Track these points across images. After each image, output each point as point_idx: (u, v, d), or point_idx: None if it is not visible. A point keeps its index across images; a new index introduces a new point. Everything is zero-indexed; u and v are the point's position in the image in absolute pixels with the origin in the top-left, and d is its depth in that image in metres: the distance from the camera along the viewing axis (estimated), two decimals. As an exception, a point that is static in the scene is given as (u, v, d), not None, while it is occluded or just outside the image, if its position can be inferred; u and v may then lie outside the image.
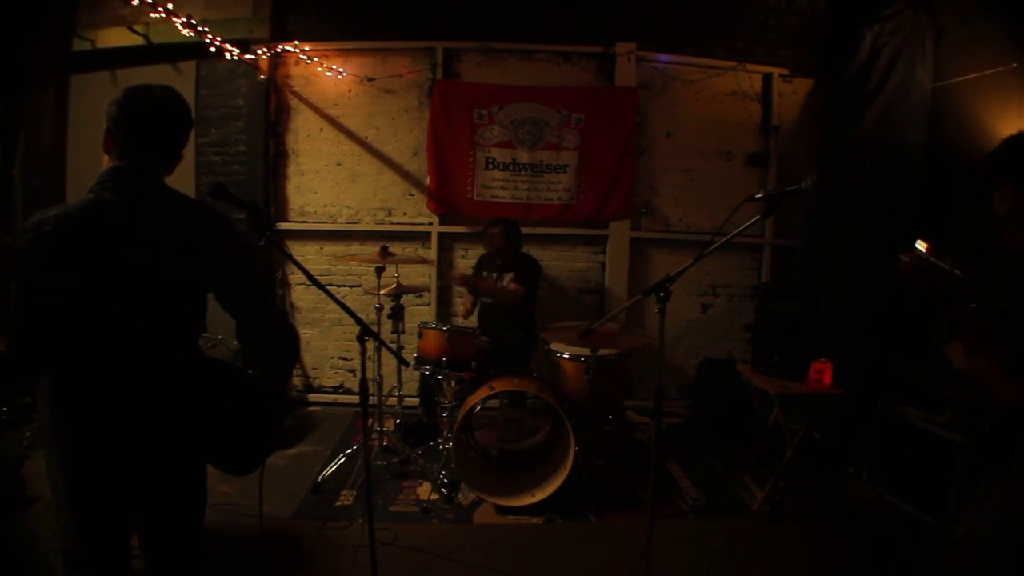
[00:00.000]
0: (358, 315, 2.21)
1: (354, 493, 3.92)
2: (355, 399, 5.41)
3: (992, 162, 1.73)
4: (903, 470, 3.98)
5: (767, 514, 3.81)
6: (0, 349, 1.71)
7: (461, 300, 4.97)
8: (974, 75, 4.51)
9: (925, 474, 3.79)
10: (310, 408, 5.52)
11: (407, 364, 3.03)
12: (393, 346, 4.33)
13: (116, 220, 1.70)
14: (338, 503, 3.81)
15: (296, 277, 5.45)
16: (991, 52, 4.35)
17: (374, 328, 2.44)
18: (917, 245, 1.66)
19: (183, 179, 5.18)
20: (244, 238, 1.92)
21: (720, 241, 2.42)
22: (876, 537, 3.61)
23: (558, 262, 5.54)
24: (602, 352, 3.92)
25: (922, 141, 4.88)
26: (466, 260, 5.45)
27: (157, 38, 5.17)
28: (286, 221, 5.50)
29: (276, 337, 2.02)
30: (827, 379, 3.86)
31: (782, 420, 3.88)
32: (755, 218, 2.32)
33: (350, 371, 5.64)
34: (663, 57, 5.45)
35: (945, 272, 1.63)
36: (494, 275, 4.75)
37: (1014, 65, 4.13)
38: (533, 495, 3.78)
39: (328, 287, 2.21)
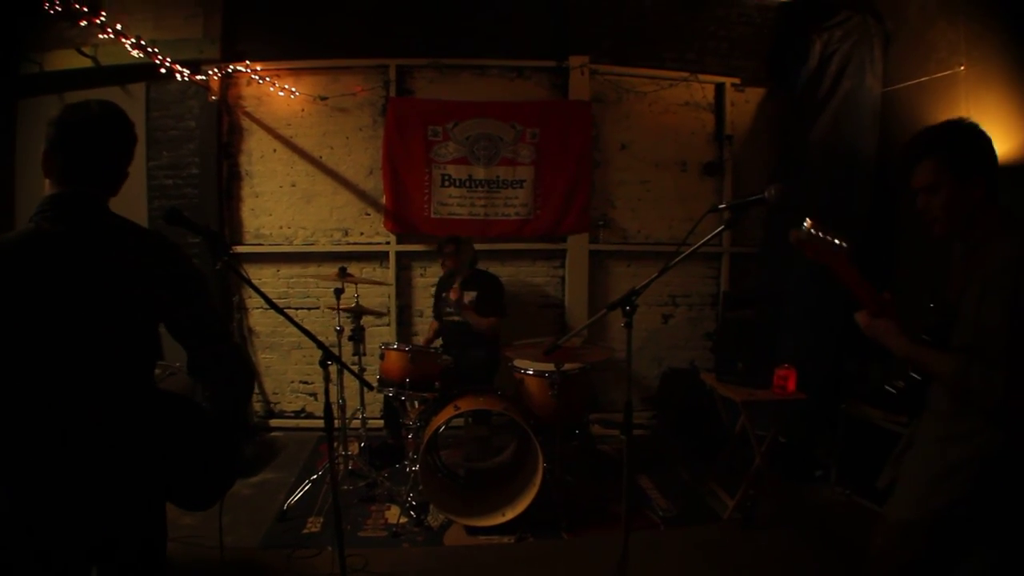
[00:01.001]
0: (319, 338, 2.16)
1: (321, 519, 3.84)
2: (318, 423, 5.43)
3: (921, 140, 1.90)
4: (870, 471, 3.99)
5: (738, 521, 3.83)
6: None
7: (423, 325, 4.93)
8: (922, 79, 4.60)
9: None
10: (272, 434, 5.41)
11: (371, 387, 2.99)
12: (355, 368, 4.30)
13: (56, 252, 1.61)
14: (305, 530, 3.73)
15: (253, 301, 5.37)
16: (938, 56, 4.44)
17: (335, 350, 2.40)
18: (804, 223, 1.78)
19: (135, 204, 5.09)
20: (194, 267, 1.85)
21: (686, 251, 2.42)
22: (847, 539, 3.61)
23: (517, 278, 5.52)
24: (566, 367, 3.91)
25: (873, 145, 4.98)
26: (425, 279, 5.42)
27: (106, 60, 5.07)
28: (241, 244, 5.41)
29: (227, 372, 1.93)
30: (791, 385, 3.90)
31: (749, 427, 3.90)
32: (719, 228, 2.33)
33: (311, 395, 5.55)
34: (616, 70, 5.49)
35: (828, 243, 1.76)
36: (458, 288, 4.71)
37: (961, 68, 4.22)
38: (503, 514, 3.75)
39: (286, 310, 2.17)
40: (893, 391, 2.06)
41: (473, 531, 3.74)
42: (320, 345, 2.15)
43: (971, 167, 1.81)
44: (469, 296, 4.68)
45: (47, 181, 1.72)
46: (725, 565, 3.45)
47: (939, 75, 4.44)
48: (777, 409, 4.01)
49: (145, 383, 1.82)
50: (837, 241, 1.78)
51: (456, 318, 4.72)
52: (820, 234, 1.76)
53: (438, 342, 4.93)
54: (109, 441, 1.68)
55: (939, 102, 4.40)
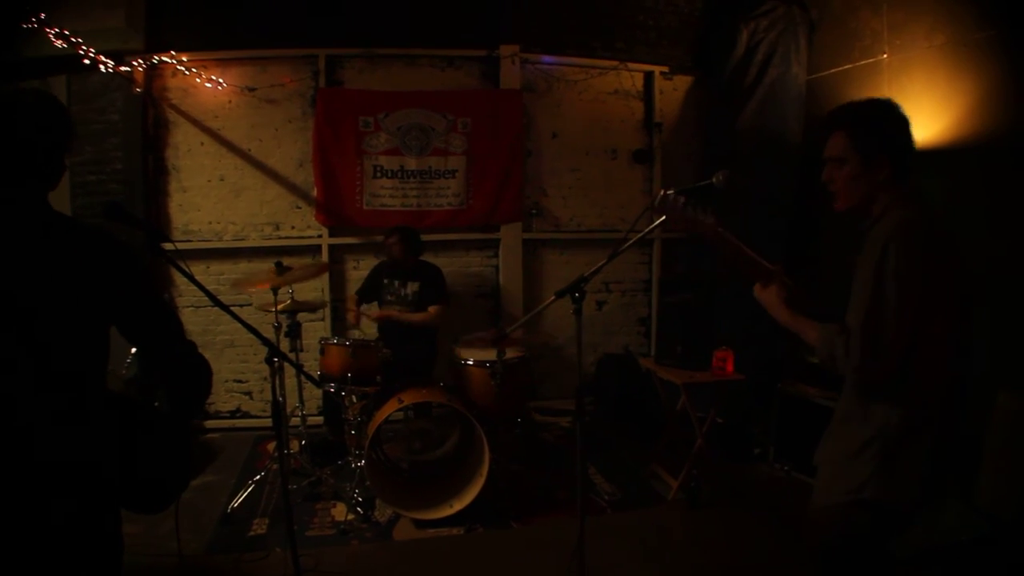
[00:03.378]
0: (264, 336, 2.13)
1: (267, 520, 3.78)
2: (254, 422, 5.38)
3: (838, 112, 1.93)
4: (806, 447, 4.10)
5: (683, 502, 3.93)
6: None
7: (349, 311, 4.88)
8: (846, 67, 4.74)
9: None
10: (208, 435, 5.29)
11: (319, 384, 2.90)
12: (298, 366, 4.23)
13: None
14: (251, 533, 3.66)
15: (183, 299, 5.24)
16: (862, 44, 4.59)
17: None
18: (664, 192, 1.91)
19: (58, 202, 4.71)
20: (145, 265, 1.80)
21: (634, 238, 2.46)
22: (786, 513, 3.71)
23: (452, 268, 5.50)
24: (508, 355, 3.93)
25: (799, 132, 5.13)
26: (358, 271, 5.36)
27: (27, 52, 4.85)
28: (169, 241, 5.26)
29: (189, 369, 1.89)
30: (730, 366, 4.03)
31: (689, 409, 4.00)
32: (662, 218, 2.36)
33: (246, 394, 5.47)
34: (546, 59, 5.53)
35: (692, 217, 1.89)
36: (396, 283, 4.70)
37: (884, 56, 4.37)
38: (451, 506, 3.76)
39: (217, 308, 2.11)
40: (816, 361, 2.10)
41: (422, 524, 3.74)
42: (266, 342, 2.11)
43: (878, 146, 1.83)
44: (412, 287, 4.67)
45: None
46: (674, 545, 3.55)
47: (863, 63, 4.59)
48: (716, 390, 4.12)
49: (98, 386, 1.74)
50: (703, 217, 1.87)
51: (397, 309, 4.70)
52: (682, 204, 1.85)
53: (371, 332, 4.90)
54: (62, 449, 1.60)
55: (863, 89, 4.55)
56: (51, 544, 1.64)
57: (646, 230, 2.41)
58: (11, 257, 1.54)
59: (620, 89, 5.67)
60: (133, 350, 3.86)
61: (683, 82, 5.82)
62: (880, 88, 4.39)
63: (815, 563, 2.09)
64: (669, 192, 1.93)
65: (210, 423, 5.42)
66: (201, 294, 2.03)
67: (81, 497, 1.65)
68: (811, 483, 3.93)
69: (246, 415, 5.48)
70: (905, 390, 1.78)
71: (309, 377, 2.61)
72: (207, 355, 2.01)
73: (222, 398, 5.48)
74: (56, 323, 1.59)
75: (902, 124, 1.86)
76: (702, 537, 3.63)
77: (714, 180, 2.20)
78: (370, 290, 4.90)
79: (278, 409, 2.25)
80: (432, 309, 4.64)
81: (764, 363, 4.63)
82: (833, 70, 4.92)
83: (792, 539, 3.47)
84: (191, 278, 1.96)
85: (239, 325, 2.11)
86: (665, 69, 5.73)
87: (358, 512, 3.83)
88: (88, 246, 1.67)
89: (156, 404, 1.89)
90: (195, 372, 1.92)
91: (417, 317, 4.64)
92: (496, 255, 5.62)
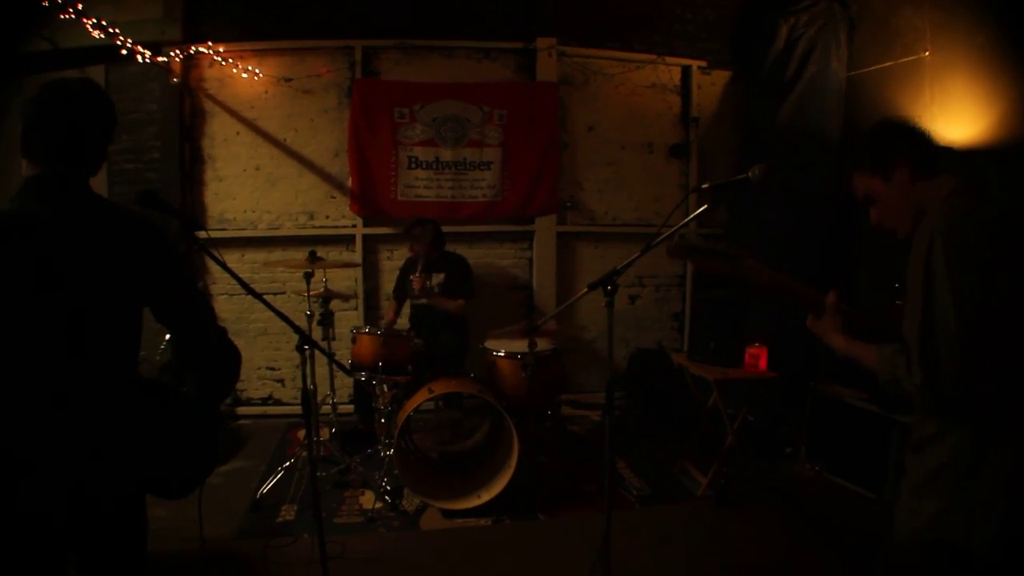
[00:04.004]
0: (295, 324, 2.12)
1: (295, 507, 3.78)
2: (285, 409, 5.41)
3: (848, 158, 1.82)
4: (839, 447, 4.09)
5: (712, 499, 3.86)
6: None
7: (386, 310, 4.91)
8: (887, 64, 4.65)
9: (861, 450, 3.89)
10: (239, 422, 5.33)
11: (349, 372, 2.88)
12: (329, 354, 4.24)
13: (38, 234, 1.55)
14: (280, 519, 3.66)
15: (217, 287, 5.27)
16: (903, 42, 4.50)
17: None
18: (686, 236, 1.84)
19: (96, 190, 4.86)
20: (177, 248, 1.82)
21: (668, 232, 2.39)
22: (818, 514, 3.69)
23: (485, 260, 5.51)
24: (539, 348, 3.89)
25: (838, 129, 5.04)
26: (392, 261, 5.37)
27: (65, 43, 4.93)
28: (205, 229, 5.30)
29: (220, 354, 1.90)
30: (763, 363, 3.95)
31: (721, 406, 3.94)
32: (703, 207, 2.32)
33: (278, 381, 5.50)
34: (583, 52, 5.49)
35: (713, 251, 1.78)
36: (425, 277, 4.67)
37: (926, 54, 4.28)
38: (479, 496, 3.73)
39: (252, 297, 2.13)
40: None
41: (449, 514, 3.72)
42: (298, 330, 2.11)
43: (885, 157, 1.75)
44: (437, 279, 4.66)
45: (24, 162, 1.64)
46: (700, 542, 3.47)
47: (904, 60, 4.49)
48: (749, 387, 4.06)
49: (130, 368, 1.77)
50: (729, 250, 1.75)
51: (424, 301, 4.70)
52: (700, 243, 1.77)
53: (402, 323, 4.89)
54: (93, 428, 1.63)
55: (903, 87, 4.46)
56: (79, 517, 1.66)
57: (678, 225, 2.37)
58: (55, 233, 1.57)
59: (657, 83, 5.62)
60: (167, 337, 3.88)
61: (721, 77, 5.75)
62: (921, 86, 4.30)
63: None
64: (684, 235, 1.86)
65: (242, 409, 5.46)
66: (235, 282, 2.02)
67: (108, 471, 1.67)
68: (842, 484, 3.93)
69: (278, 402, 5.51)
70: (984, 410, 1.55)
71: (339, 365, 2.60)
72: (240, 343, 2.01)
73: (254, 385, 5.51)
74: (91, 297, 1.62)
75: (899, 128, 1.81)
76: (729, 535, 3.55)
77: (750, 174, 2.15)
78: (400, 289, 4.91)
79: (307, 396, 2.23)
80: (458, 302, 4.63)
81: (798, 361, 4.56)
82: (874, 67, 4.82)
83: (820, 540, 3.43)
84: (223, 265, 1.98)
85: (272, 313, 2.12)
86: (703, 63, 5.67)
87: (386, 500, 3.83)
88: (126, 229, 1.70)
89: (184, 389, 1.88)
90: (224, 357, 1.93)
91: (445, 301, 4.62)
92: (530, 248, 5.59)
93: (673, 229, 2.40)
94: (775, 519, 3.70)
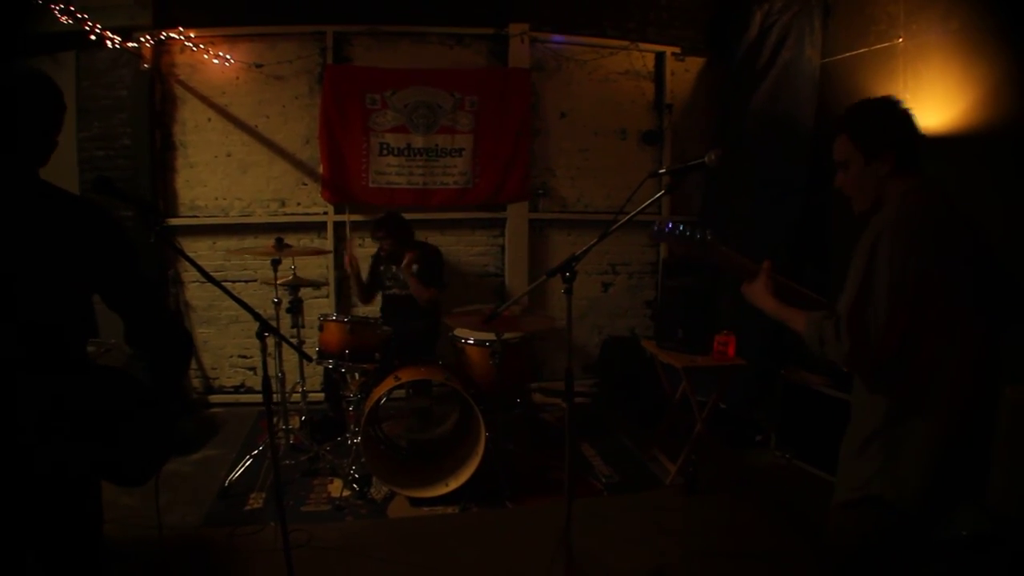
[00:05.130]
0: (256, 311, 2.13)
1: (264, 495, 3.80)
2: (258, 398, 5.32)
3: (839, 117, 1.92)
4: (809, 435, 4.12)
5: (681, 487, 3.89)
6: None
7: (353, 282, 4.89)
8: (861, 51, 4.64)
9: (830, 437, 3.88)
10: (212, 410, 5.34)
11: (310, 359, 2.92)
12: (294, 340, 4.24)
13: None
14: (248, 507, 3.68)
15: (189, 274, 5.26)
16: (877, 28, 4.48)
17: (273, 323, 2.37)
18: (659, 225, 1.95)
19: (66, 176, 4.88)
20: (127, 234, 1.80)
21: (624, 218, 2.43)
22: (787, 501, 3.73)
23: (457, 247, 5.52)
24: (507, 335, 3.91)
25: (812, 116, 5.03)
26: (364, 248, 5.32)
27: (34, 28, 4.88)
28: (176, 216, 5.28)
29: (168, 339, 1.92)
30: (731, 351, 3.98)
31: (690, 393, 3.97)
32: (660, 193, 2.33)
33: (251, 369, 5.49)
34: (556, 38, 5.47)
35: (688, 237, 1.90)
36: (393, 267, 4.66)
37: (899, 40, 4.27)
38: (447, 484, 3.76)
39: (224, 283, 2.12)
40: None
41: (417, 502, 3.74)
42: (257, 316, 2.11)
43: (879, 142, 1.82)
44: (410, 256, 4.63)
45: None
46: (669, 530, 3.50)
47: (878, 47, 4.48)
48: (717, 375, 4.08)
49: (80, 354, 1.78)
50: (700, 235, 1.88)
51: (396, 291, 4.69)
52: (686, 232, 1.88)
53: (373, 311, 4.89)
54: (39, 416, 1.64)
55: (877, 74, 4.45)
56: (32, 495, 1.67)
57: (635, 211, 2.39)
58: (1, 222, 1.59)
59: (631, 69, 5.61)
60: None
61: (695, 63, 5.74)
62: (895, 73, 4.30)
63: (828, 561, 2.04)
64: (660, 223, 1.96)
65: (214, 398, 5.46)
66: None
67: (61, 454, 1.67)
68: (812, 472, 3.97)
69: (250, 390, 5.50)
70: (905, 382, 1.75)
71: (301, 352, 2.61)
72: (212, 330, 2.03)
73: (227, 373, 5.51)
74: (35, 285, 1.62)
75: (902, 117, 1.85)
76: (698, 522, 3.59)
77: (706, 159, 2.16)
78: (372, 279, 4.89)
79: (268, 384, 2.24)
80: (430, 291, 4.58)
81: (768, 350, 4.58)
82: (848, 54, 4.81)
83: (789, 527, 3.47)
84: (181, 253, 2.03)
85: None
86: (677, 50, 5.66)
87: (354, 489, 3.85)
88: (71, 215, 1.70)
89: (139, 375, 1.88)
90: (175, 341, 1.95)
91: (417, 286, 4.54)
92: (502, 235, 5.59)
93: (630, 215, 2.43)
94: (744, 506, 3.74)
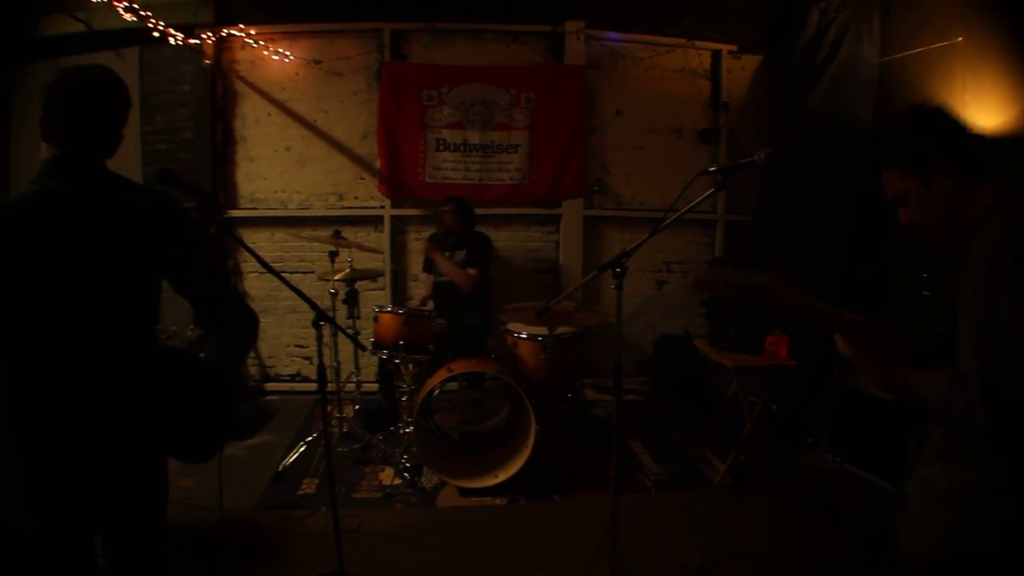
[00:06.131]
0: (313, 300, 2.18)
1: (316, 481, 3.87)
2: (312, 386, 5.42)
3: (879, 150, 1.67)
4: (861, 439, 4.04)
5: (729, 487, 3.85)
6: None
7: (418, 290, 4.94)
8: (920, 50, 4.57)
9: (883, 442, 3.84)
10: (268, 397, 5.45)
11: (364, 348, 3.01)
12: (349, 331, 4.31)
13: (61, 211, 1.64)
14: (300, 492, 3.76)
15: (248, 264, 5.37)
16: (936, 27, 4.41)
17: (329, 314, 2.42)
18: (712, 270, 1.59)
19: (129, 168, 5.04)
20: (194, 222, 1.87)
21: (674, 216, 2.41)
22: (837, 505, 3.67)
23: (511, 242, 5.54)
24: (559, 330, 3.91)
25: (870, 116, 4.95)
26: (419, 242, 5.39)
27: (100, 24, 5.03)
28: (236, 208, 5.41)
29: (237, 320, 1.96)
30: (783, 351, 3.92)
31: (740, 393, 3.93)
32: (710, 191, 2.32)
33: (306, 358, 5.59)
34: (612, 35, 5.46)
35: (740, 286, 1.51)
36: (446, 253, 4.70)
37: (959, 40, 4.20)
38: (496, 476, 3.77)
39: (282, 274, 2.18)
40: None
41: (466, 492, 3.77)
42: (313, 306, 2.17)
43: (926, 157, 1.55)
44: (459, 255, 4.67)
45: (44, 144, 1.73)
46: (715, 529, 3.47)
47: (937, 46, 4.41)
48: (769, 375, 4.02)
49: (148, 338, 1.84)
50: (759, 277, 1.51)
51: (445, 278, 4.72)
52: (727, 276, 1.53)
53: (430, 303, 4.93)
54: (114, 397, 1.71)
55: (937, 73, 4.37)
56: (102, 477, 1.75)
57: (686, 208, 2.37)
58: (72, 209, 1.66)
59: (687, 67, 5.58)
60: None
61: (751, 61, 5.69)
62: (954, 72, 4.22)
63: None
64: (712, 270, 1.59)
65: (270, 386, 5.57)
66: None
67: (129, 433, 1.74)
68: (864, 476, 3.87)
69: (305, 379, 5.60)
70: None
71: (356, 342, 2.68)
72: (269, 320, 2.08)
73: (283, 362, 5.61)
74: (106, 268, 1.70)
75: (939, 120, 1.59)
76: (744, 522, 3.55)
77: (755, 157, 2.12)
78: (428, 262, 4.96)
79: (323, 372, 2.30)
80: (470, 271, 4.59)
81: (821, 350, 4.49)
82: (907, 52, 4.74)
83: (839, 531, 3.40)
84: (241, 242, 2.08)
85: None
86: (733, 48, 5.61)
87: (405, 477, 3.90)
88: (141, 204, 1.78)
89: (203, 355, 1.94)
90: (243, 322, 1.99)
91: (455, 270, 4.59)
92: (556, 231, 5.59)
93: (680, 212, 2.41)
94: (793, 508, 3.68)
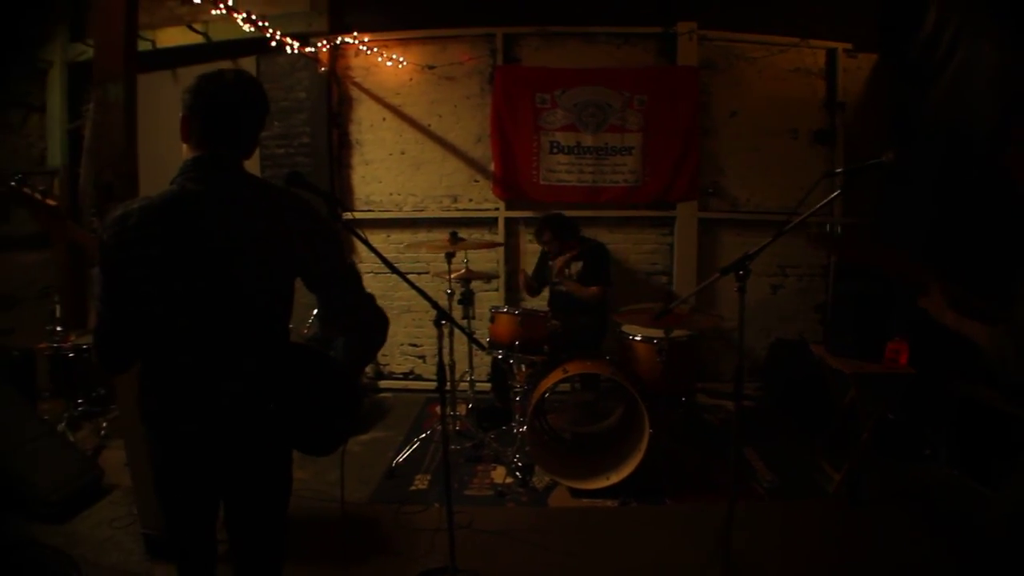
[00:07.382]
0: (433, 300, 2.23)
1: (428, 477, 3.96)
2: (425, 385, 5.62)
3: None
4: (982, 452, 3.86)
5: (844, 497, 3.73)
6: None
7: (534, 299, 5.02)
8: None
9: (1005, 456, 3.67)
10: (381, 394, 5.60)
11: (483, 347, 3.06)
12: (467, 331, 4.37)
13: (200, 210, 1.70)
14: (413, 487, 3.85)
15: (365, 265, 5.46)
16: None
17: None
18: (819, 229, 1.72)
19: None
20: (329, 222, 1.94)
21: (799, 219, 2.38)
22: (955, 520, 3.50)
23: (625, 245, 5.53)
24: (675, 333, 3.89)
25: (991, 116, 4.77)
26: (533, 244, 5.41)
27: (217, 35, 5.28)
28: (352, 210, 5.55)
29: (364, 320, 2.00)
30: (903, 359, 3.77)
31: (858, 401, 3.80)
32: (835, 193, 2.30)
33: (420, 357, 5.71)
34: (725, 35, 5.40)
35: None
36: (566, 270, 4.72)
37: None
38: (607, 478, 3.77)
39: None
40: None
41: (577, 494, 3.78)
42: (435, 305, 2.21)
43: None
44: (576, 267, 4.69)
45: (184, 146, 1.80)
46: (827, 540, 3.39)
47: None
48: (888, 383, 3.87)
49: (281, 333, 1.91)
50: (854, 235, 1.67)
51: (563, 288, 4.74)
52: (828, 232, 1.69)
53: (540, 304, 4.94)
54: (247, 387, 1.78)
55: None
56: (234, 464, 1.84)
57: (809, 211, 2.33)
58: (212, 208, 1.72)
59: (801, 67, 5.47)
60: (315, 312, 4.06)
61: (867, 60, 5.53)
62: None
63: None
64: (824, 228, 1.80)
65: (384, 383, 5.71)
66: (379, 261, 2.14)
67: (260, 424, 1.81)
68: (983, 490, 3.68)
69: (418, 377, 5.73)
70: None
71: (475, 341, 2.71)
72: None
73: (396, 360, 5.75)
74: (246, 266, 1.76)
75: None
76: (858, 535, 3.43)
77: (883, 159, 2.10)
78: (539, 273, 4.98)
79: (443, 370, 2.35)
80: (592, 289, 4.62)
81: (944, 360, 4.34)
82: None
83: (955, 547, 3.21)
84: (366, 242, 2.09)
85: (415, 292, 2.23)
86: (848, 46, 5.46)
87: (516, 476, 3.93)
88: (279, 205, 1.83)
89: (331, 353, 1.98)
90: (374, 321, 2.02)
91: (581, 289, 4.63)
92: (671, 233, 5.55)
93: (803, 216, 2.38)
94: (909, 522, 3.52)
